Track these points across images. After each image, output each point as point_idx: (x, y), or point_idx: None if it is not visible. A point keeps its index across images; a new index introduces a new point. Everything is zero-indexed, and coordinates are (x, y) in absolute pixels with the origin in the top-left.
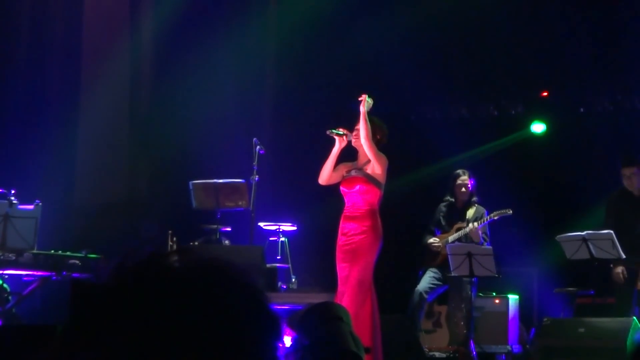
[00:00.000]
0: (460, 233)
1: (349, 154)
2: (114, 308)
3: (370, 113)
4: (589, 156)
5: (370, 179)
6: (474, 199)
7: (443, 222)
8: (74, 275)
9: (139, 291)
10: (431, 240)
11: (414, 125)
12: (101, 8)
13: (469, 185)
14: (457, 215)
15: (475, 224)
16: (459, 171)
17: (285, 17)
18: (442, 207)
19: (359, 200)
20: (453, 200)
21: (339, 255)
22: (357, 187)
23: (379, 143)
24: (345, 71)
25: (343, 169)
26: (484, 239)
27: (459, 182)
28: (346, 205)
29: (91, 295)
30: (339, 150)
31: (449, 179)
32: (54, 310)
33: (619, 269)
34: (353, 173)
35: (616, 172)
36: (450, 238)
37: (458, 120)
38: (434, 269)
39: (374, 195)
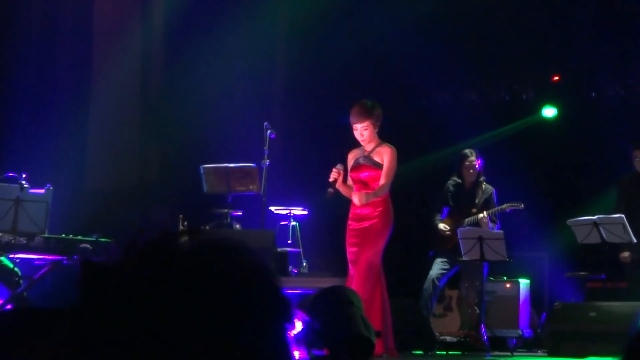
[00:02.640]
0: (472, 219)
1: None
2: (124, 288)
3: (379, 98)
4: (601, 140)
5: (378, 166)
6: (482, 178)
7: (451, 203)
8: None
9: (148, 271)
10: (441, 226)
11: (425, 110)
12: None
13: (477, 166)
14: (465, 196)
15: (485, 213)
16: (467, 151)
17: (297, 2)
18: (450, 186)
19: (369, 187)
20: (460, 181)
21: (349, 239)
22: (366, 174)
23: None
24: (356, 56)
25: (352, 157)
26: (493, 222)
27: (466, 163)
28: (356, 190)
29: (101, 275)
30: (341, 182)
31: (456, 159)
32: (64, 295)
33: (626, 254)
34: (361, 161)
35: (627, 157)
36: (468, 221)
37: (469, 105)
38: (443, 254)
39: None
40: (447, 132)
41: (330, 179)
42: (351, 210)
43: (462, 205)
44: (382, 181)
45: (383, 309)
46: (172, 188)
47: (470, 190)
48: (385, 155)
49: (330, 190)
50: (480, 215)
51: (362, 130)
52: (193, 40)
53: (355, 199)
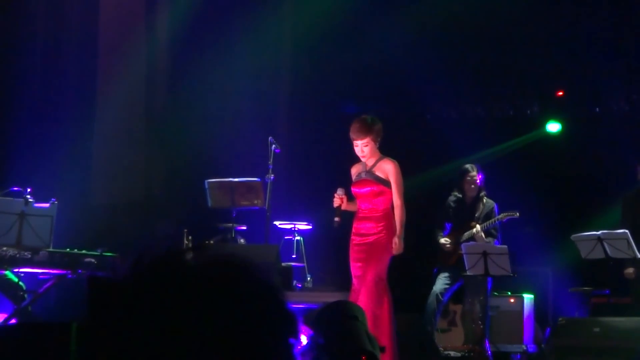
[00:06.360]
0: (468, 234)
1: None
2: (132, 304)
3: (384, 112)
4: (605, 156)
5: (380, 181)
6: (483, 193)
7: (453, 218)
8: (89, 273)
9: (156, 288)
10: (442, 240)
11: (430, 125)
12: (117, 5)
13: (478, 181)
14: (466, 211)
15: (479, 227)
16: (467, 166)
17: (301, 15)
18: (451, 202)
19: (371, 202)
20: (461, 196)
21: (353, 255)
22: (368, 189)
23: (379, 142)
24: (361, 70)
25: (355, 171)
26: (492, 235)
27: (468, 178)
28: (359, 206)
29: (108, 291)
30: (346, 205)
31: (457, 174)
32: (69, 309)
33: (630, 269)
34: (363, 176)
35: (632, 172)
36: (465, 235)
37: (473, 120)
38: (447, 269)
39: (386, 196)
40: (451, 146)
41: (335, 205)
42: (354, 225)
43: (463, 220)
44: (396, 202)
45: (391, 324)
46: (176, 202)
47: (471, 205)
48: (390, 174)
49: (336, 220)
50: (474, 230)
51: (362, 147)
52: (198, 55)
53: (395, 245)
